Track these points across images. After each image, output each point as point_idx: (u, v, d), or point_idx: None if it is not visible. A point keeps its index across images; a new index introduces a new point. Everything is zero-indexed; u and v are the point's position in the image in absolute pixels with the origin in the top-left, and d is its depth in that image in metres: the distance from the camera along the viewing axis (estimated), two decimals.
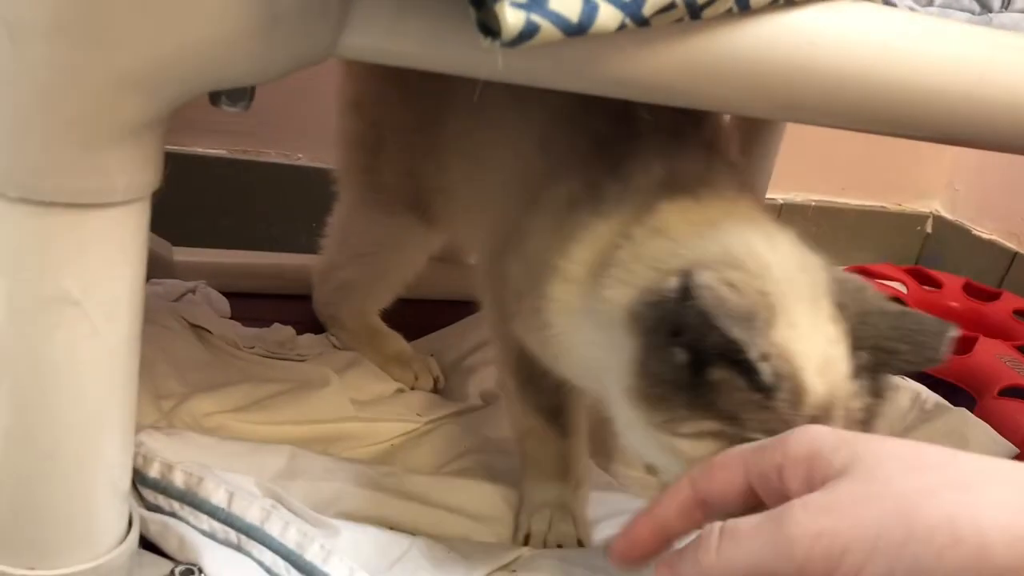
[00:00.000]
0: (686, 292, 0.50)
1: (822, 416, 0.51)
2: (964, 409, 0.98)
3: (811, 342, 0.52)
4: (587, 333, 0.61)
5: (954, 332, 0.54)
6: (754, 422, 0.50)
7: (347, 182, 0.99)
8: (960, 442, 0.93)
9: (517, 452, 0.79)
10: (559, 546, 0.73)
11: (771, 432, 0.48)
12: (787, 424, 0.49)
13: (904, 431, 0.97)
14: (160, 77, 0.39)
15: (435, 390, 0.98)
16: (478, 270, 0.82)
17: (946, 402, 1.00)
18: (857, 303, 0.54)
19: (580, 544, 0.74)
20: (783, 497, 0.42)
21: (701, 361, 0.51)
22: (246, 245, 1.20)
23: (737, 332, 0.48)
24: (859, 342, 0.53)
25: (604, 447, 0.89)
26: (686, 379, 0.52)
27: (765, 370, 0.49)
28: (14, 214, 0.41)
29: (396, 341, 1.02)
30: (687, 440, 0.52)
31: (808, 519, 0.40)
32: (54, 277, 0.42)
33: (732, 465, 0.46)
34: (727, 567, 0.42)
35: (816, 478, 0.42)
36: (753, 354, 0.49)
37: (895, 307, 0.56)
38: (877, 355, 0.53)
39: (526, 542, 0.74)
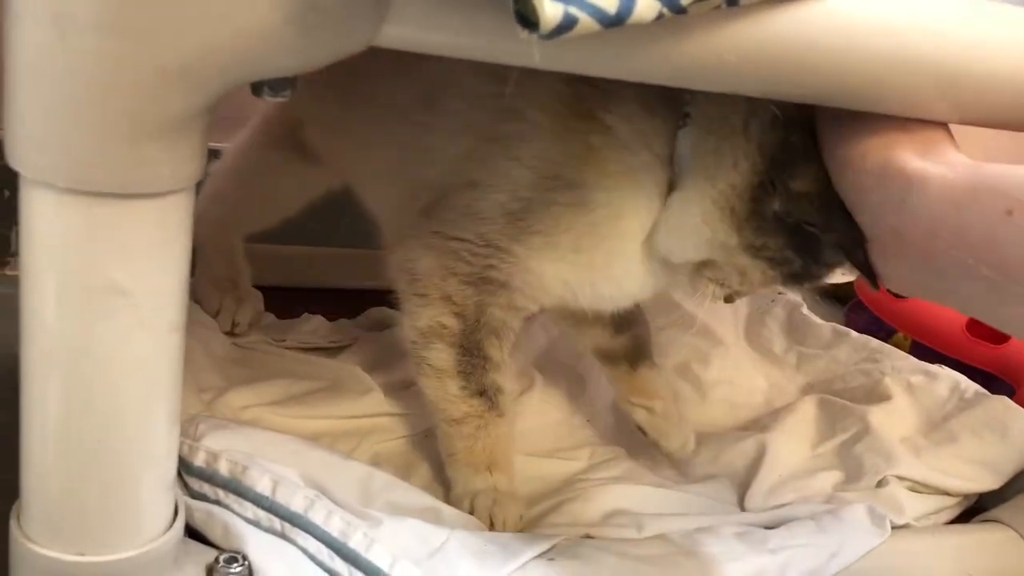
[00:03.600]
0: None
1: None
2: (1004, 397, 0.97)
3: None
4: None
5: None
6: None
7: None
8: (1000, 430, 0.92)
9: (445, 435, 0.77)
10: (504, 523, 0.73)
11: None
12: None
13: (943, 419, 0.96)
14: (204, 68, 0.40)
15: None
16: (413, 222, 0.75)
17: (985, 391, 1.00)
18: None
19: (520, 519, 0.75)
20: None
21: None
22: (279, 239, 1.20)
23: None
24: None
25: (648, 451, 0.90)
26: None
27: None
28: (63, 205, 0.42)
29: (237, 272, 1.01)
30: (755, 259, 0.65)
31: None
32: (102, 267, 0.43)
33: None
34: None
35: None
36: None
37: None
38: None
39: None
